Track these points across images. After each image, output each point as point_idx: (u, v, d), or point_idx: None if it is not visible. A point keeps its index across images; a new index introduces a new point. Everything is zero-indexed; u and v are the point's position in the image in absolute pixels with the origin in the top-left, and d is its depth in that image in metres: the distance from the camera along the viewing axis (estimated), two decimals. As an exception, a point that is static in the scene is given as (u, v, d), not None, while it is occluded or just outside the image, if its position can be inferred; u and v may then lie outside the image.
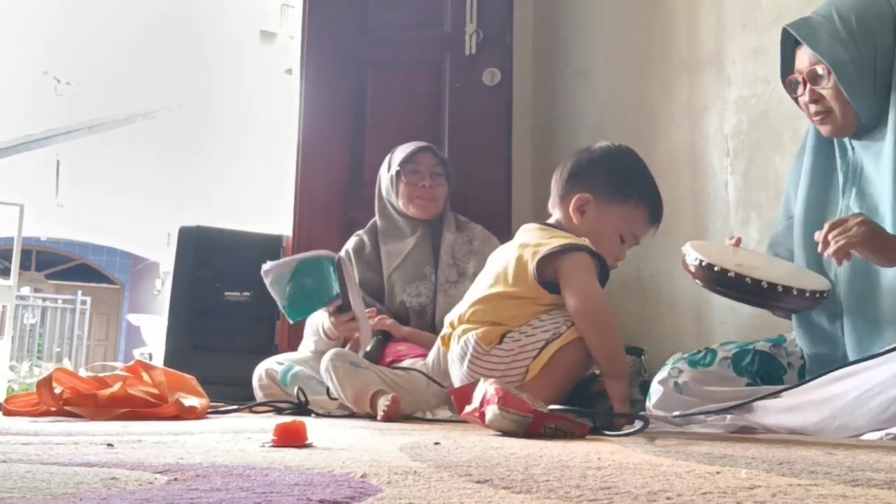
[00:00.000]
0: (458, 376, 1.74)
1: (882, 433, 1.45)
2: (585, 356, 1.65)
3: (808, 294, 1.54)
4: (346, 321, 2.21)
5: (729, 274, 1.54)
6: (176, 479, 0.69)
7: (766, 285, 1.53)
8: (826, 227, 1.53)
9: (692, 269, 1.62)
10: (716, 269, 1.56)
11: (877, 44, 1.62)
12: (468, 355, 1.68)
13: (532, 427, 1.29)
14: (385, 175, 2.55)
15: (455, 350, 1.73)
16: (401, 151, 2.53)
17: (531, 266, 1.67)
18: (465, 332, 1.71)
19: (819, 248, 1.55)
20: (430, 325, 2.34)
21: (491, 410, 1.33)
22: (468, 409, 1.41)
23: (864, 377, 1.52)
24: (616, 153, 1.88)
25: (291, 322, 2.35)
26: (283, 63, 3.58)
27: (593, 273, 1.67)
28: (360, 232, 2.63)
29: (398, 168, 2.48)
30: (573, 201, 1.81)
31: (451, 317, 1.79)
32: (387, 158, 2.57)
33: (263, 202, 4.25)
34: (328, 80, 3.13)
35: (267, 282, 2.23)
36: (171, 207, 8.47)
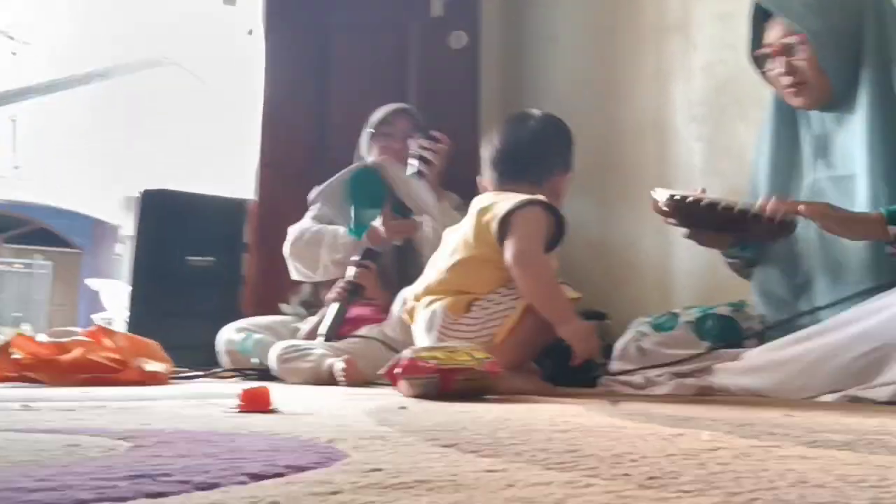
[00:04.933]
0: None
1: (839, 394, 1.49)
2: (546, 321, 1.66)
3: (775, 219, 1.57)
4: (401, 221, 2.31)
5: (702, 203, 1.57)
6: (139, 446, 0.69)
7: (737, 211, 1.56)
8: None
9: (665, 206, 1.63)
10: (689, 199, 1.58)
11: (846, 13, 1.64)
12: (437, 325, 1.66)
13: (444, 385, 1.31)
14: (364, 134, 2.55)
15: (422, 321, 1.71)
16: (379, 112, 2.54)
17: (493, 225, 1.65)
18: (431, 302, 1.69)
19: (771, 210, 1.58)
20: (395, 286, 2.33)
21: (401, 384, 1.38)
22: (383, 369, 1.45)
23: (822, 340, 1.55)
24: (558, 123, 1.88)
25: (358, 238, 2.37)
26: (246, 23, 3.50)
27: (539, 226, 1.65)
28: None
29: (372, 129, 2.48)
30: (555, 183, 1.80)
31: (415, 290, 1.77)
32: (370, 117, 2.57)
33: (227, 166, 4.18)
34: (292, 43, 3.07)
35: (317, 205, 2.40)
36: (132, 170, 8.31)
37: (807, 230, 1.71)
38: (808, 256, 1.70)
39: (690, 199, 1.57)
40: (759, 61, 1.78)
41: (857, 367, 1.48)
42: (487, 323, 1.64)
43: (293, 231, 2.50)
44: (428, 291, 1.72)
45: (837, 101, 1.68)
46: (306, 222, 2.52)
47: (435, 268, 1.75)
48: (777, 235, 1.66)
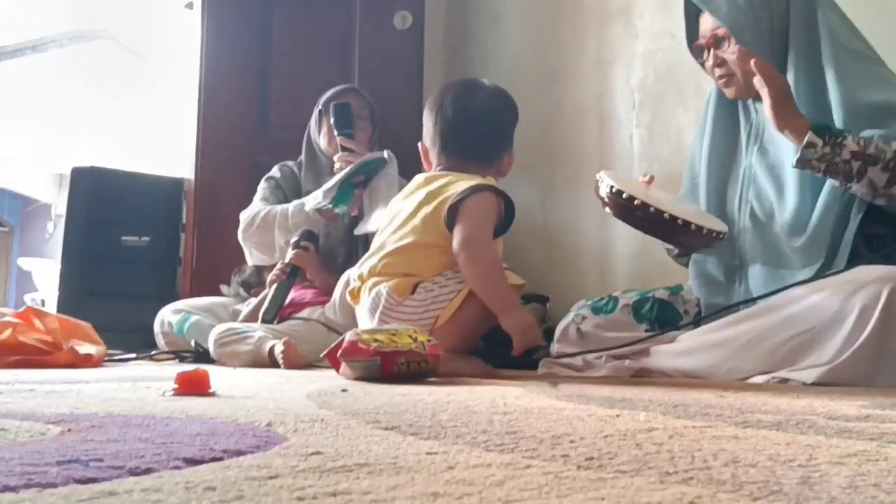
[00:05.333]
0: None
1: (769, 376, 1.54)
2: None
3: (705, 231, 1.60)
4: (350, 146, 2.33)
5: (636, 202, 1.59)
6: (70, 430, 0.67)
7: (668, 216, 1.58)
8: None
9: (604, 195, 1.65)
10: (624, 195, 1.60)
11: (772, 8, 1.68)
12: (380, 307, 1.64)
13: (384, 368, 1.30)
14: (314, 113, 2.53)
15: (366, 303, 1.69)
16: (330, 91, 2.51)
17: (443, 212, 1.64)
18: (375, 284, 1.67)
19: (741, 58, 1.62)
20: (338, 267, 2.32)
21: (342, 367, 1.37)
22: (324, 352, 1.44)
23: (754, 323, 1.60)
24: (507, 97, 1.84)
25: (338, 208, 2.34)
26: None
27: (489, 214, 1.64)
28: (289, 163, 2.60)
29: (321, 108, 2.45)
30: (503, 162, 1.79)
31: (360, 270, 1.75)
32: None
33: (163, 144, 4.08)
34: (231, 18, 3.00)
35: (264, 185, 2.44)
36: (64, 146, 8.04)
37: (742, 217, 1.75)
38: (742, 241, 1.75)
39: (626, 196, 1.59)
40: (697, 52, 1.82)
41: (785, 349, 1.53)
42: (431, 306, 1.63)
43: (244, 216, 2.46)
44: (372, 273, 1.69)
45: None
46: (256, 205, 2.48)
47: (380, 248, 1.72)
48: (703, 246, 1.70)
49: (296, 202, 2.40)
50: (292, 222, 2.35)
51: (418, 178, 1.77)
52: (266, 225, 2.39)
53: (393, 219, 1.74)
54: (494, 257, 1.63)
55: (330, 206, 2.29)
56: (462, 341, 1.61)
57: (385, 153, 2.31)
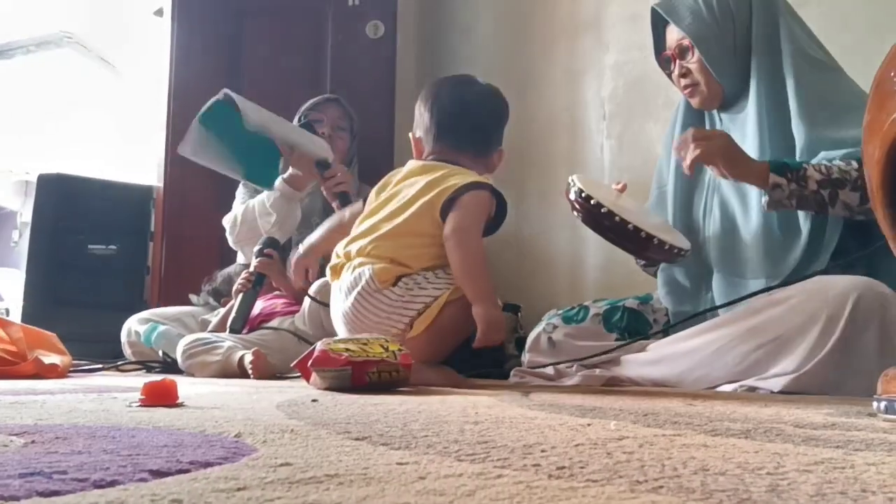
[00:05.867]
0: (340, 309, 1.66)
1: (737, 384, 1.55)
2: (467, 316, 1.65)
3: (667, 247, 1.62)
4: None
5: (603, 210, 1.60)
6: (34, 442, 0.65)
7: (632, 228, 1.60)
8: (689, 132, 1.61)
9: (573, 198, 1.66)
10: (593, 202, 1.61)
11: (735, 20, 1.71)
12: (359, 288, 1.61)
13: (355, 378, 1.29)
14: (294, 122, 2.51)
15: (346, 280, 1.64)
16: (310, 101, 2.51)
17: (440, 203, 1.61)
18: (361, 264, 1.63)
19: (677, 149, 1.63)
20: (310, 278, 2.30)
21: (312, 376, 1.36)
22: (294, 362, 1.41)
23: (722, 332, 1.62)
24: (500, 94, 1.83)
25: (270, 188, 2.33)
26: (154, 3, 3.37)
27: (483, 210, 1.64)
28: None
29: (299, 116, 2.45)
30: (494, 158, 1.78)
31: (347, 248, 1.69)
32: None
33: (132, 151, 4.04)
34: (202, 26, 2.98)
35: (196, 159, 2.25)
36: (30, 153, 7.91)
37: (707, 226, 1.77)
38: (707, 249, 1.77)
39: (594, 202, 1.61)
40: (664, 63, 1.84)
41: (753, 358, 1.55)
42: (408, 304, 1.60)
43: (227, 221, 2.46)
44: (360, 254, 1.65)
45: (731, 101, 1.75)
46: (236, 209, 2.47)
47: (373, 230, 1.67)
48: (665, 260, 1.72)
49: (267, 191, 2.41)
50: (270, 205, 2.35)
51: (414, 165, 1.75)
52: (249, 219, 2.40)
53: (389, 202, 1.70)
54: (481, 248, 1.62)
55: (267, 187, 2.33)
56: (435, 352, 1.60)
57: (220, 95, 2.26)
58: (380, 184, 1.78)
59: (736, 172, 1.59)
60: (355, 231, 1.71)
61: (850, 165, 1.52)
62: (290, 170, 2.33)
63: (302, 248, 1.96)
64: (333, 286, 1.70)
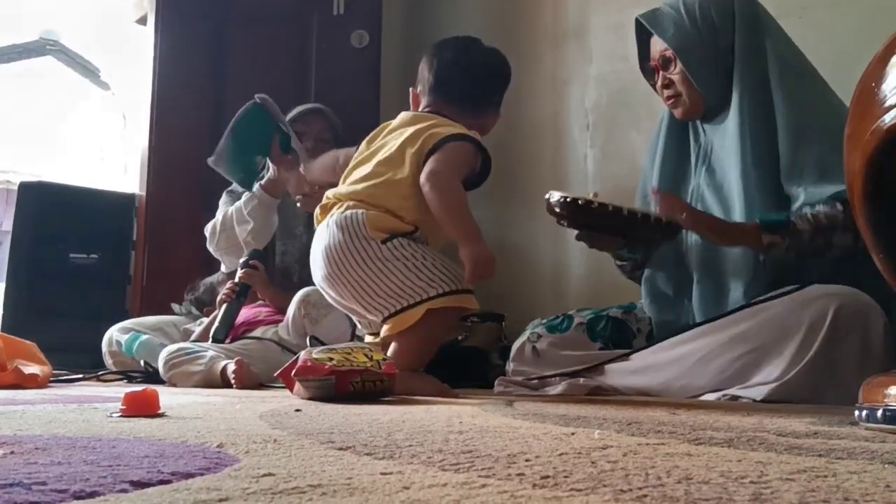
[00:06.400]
0: (323, 243, 1.59)
1: (720, 394, 1.56)
2: (448, 326, 1.63)
3: (664, 221, 1.62)
4: (291, 159, 2.24)
5: (592, 205, 1.61)
6: (13, 452, 0.64)
7: (626, 212, 1.61)
8: (677, 200, 1.63)
9: (558, 207, 1.66)
10: (580, 202, 1.62)
11: (718, 32, 1.72)
12: (350, 229, 1.55)
13: (339, 387, 1.28)
14: None
15: (336, 217, 1.59)
16: (295, 111, 2.49)
17: (425, 150, 1.59)
18: (355, 206, 1.59)
19: (661, 205, 1.67)
20: (294, 286, 2.30)
21: (296, 386, 1.35)
22: (279, 371, 1.41)
23: (705, 341, 1.63)
24: (505, 58, 1.83)
25: (250, 189, 2.31)
26: (136, 11, 3.36)
27: (464, 161, 1.61)
28: None
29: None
30: (489, 118, 1.76)
31: (339, 190, 1.66)
32: None
33: (114, 159, 4.01)
34: (185, 34, 2.97)
35: (220, 170, 2.28)
36: (10, 161, 7.84)
37: (690, 234, 1.78)
38: (690, 256, 1.78)
39: (582, 201, 1.61)
40: (648, 73, 1.86)
41: (736, 367, 1.56)
42: (393, 271, 1.53)
43: (208, 230, 2.44)
44: (353, 197, 1.61)
45: (714, 112, 1.77)
46: (217, 217, 2.45)
47: (366, 178, 1.63)
48: (664, 237, 1.72)
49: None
50: (247, 213, 2.34)
51: (405, 116, 1.73)
52: (227, 227, 2.38)
53: (378, 152, 1.68)
54: (460, 190, 1.58)
55: (247, 188, 2.31)
56: (418, 357, 1.59)
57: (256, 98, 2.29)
58: (371, 134, 1.76)
59: (726, 240, 1.62)
60: (347, 178, 1.68)
61: (836, 209, 1.54)
62: (268, 174, 2.31)
63: (304, 168, 1.94)
64: (320, 227, 1.65)
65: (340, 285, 1.56)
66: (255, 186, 2.32)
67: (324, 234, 1.60)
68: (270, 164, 2.31)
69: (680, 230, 1.69)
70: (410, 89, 1.80)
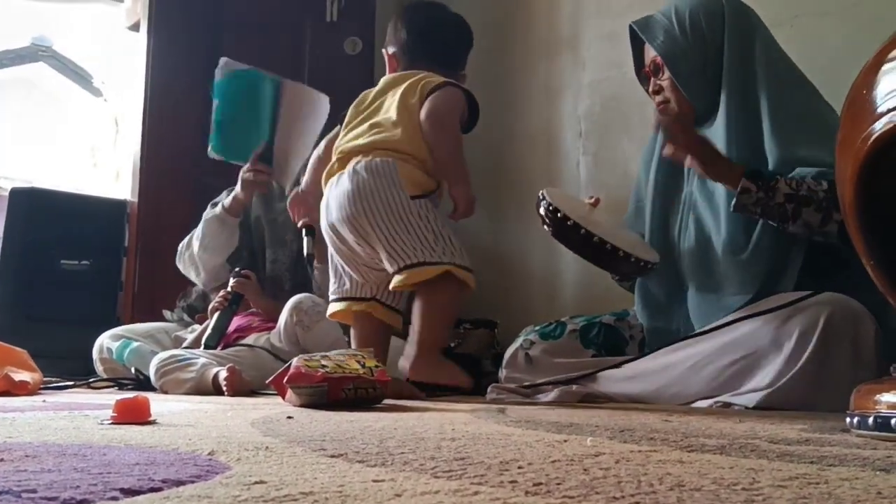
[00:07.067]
0: (343, 188, 1.63)
1: (712, 401, 1.56)
2: (458, 299, 1.64)
3: (633, 259, 1.64)
4: (259, 180, 2.26)
5: (569, 223, 1.62)
6: (2, 460, 0.64)
7: (597, 240, 1.62)
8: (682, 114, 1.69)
9: (544, 213, 1.67)
10: (560, 215, 1.63)
11: (707, 39, 1.73)
12: (382, 174, 1.60)
13: (331, 394, 1.28)
14: None
15: (364, 163, 1.62)
16: None
17: (426, 91, 1.69)
18: (381, 154, 1.63)
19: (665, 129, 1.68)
20: (285, 294, 2.29)
21: (288, 393, 1.34)
22: (271, 378, 1.40)
23: (697, 348, 1.63)
24: (465, 21, 1.92)
25: (215, 155, 2.30)
26: (128, 17, 3.35)
27: (457, 104, 1.71)
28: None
29: None
30: (460, 78, 1.84)
31: (356, 144, 1.68)
32: None
33: (106, 165, 4.00)
34: (178, 39, 2.97)
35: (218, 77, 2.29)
36: (1, 167, 7.81)
37: (682, 241, 1.79)
38: (682, 265, 1.78)
39: (561, 214, 1.62)
40: (643, 80, 1.87)
41: (728, 374, 1.56)
42: (417, 235, 1.58)
43: (181, 244, 2.44)
44: (373, 147, 1.65)
45: (703, 119, 1.77)
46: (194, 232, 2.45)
47: (376, 129, 1.69)
48: (633, 273, 1.74)
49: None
50: (205, 231, 2.33)
51: (389, 78, 1.80)
52: (185, 249, 2.40)
53: (377, 112, 1.73)
54: (458, 129, 1.70)
55: (216, 152, 2.28)
56: (440, 332, 1.60)
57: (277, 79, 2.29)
58: (356, 101, 1.81)
59: (712, 171, 1.62)
60: (349, 134, 1.72)
61: (820, 185, 1.54)
62: (235, 190, 2.31)
63: (301, 187, 1.97)
64: (334, 178, 1.69)
65: (366, 222, 1.59)
66: (228, 199, 2.32)
67: (344, 182, 1.64)
68: (239, 181, 2.31)
69: (651, 270, 1.69)
70: (383, 50, 1.90)
